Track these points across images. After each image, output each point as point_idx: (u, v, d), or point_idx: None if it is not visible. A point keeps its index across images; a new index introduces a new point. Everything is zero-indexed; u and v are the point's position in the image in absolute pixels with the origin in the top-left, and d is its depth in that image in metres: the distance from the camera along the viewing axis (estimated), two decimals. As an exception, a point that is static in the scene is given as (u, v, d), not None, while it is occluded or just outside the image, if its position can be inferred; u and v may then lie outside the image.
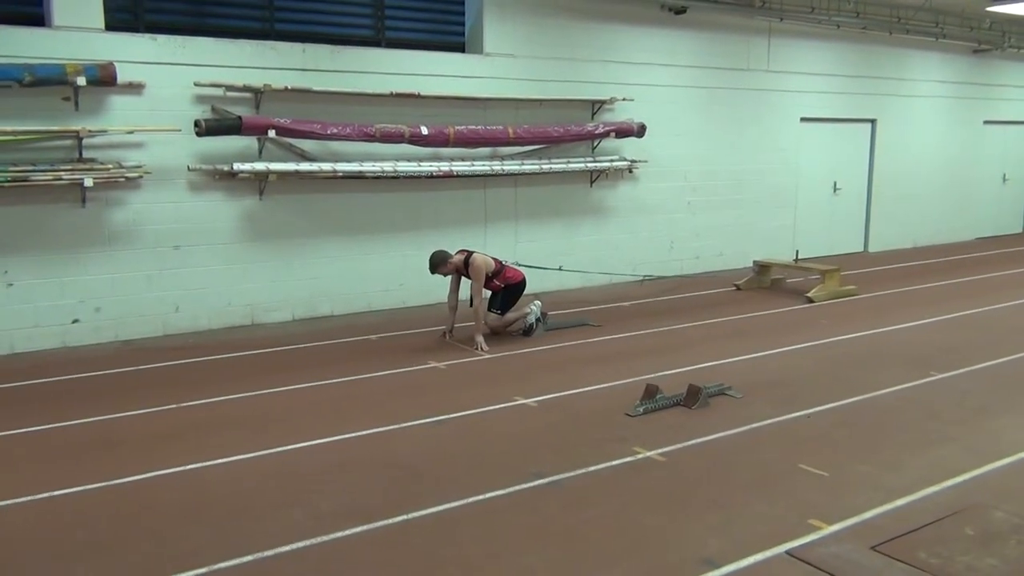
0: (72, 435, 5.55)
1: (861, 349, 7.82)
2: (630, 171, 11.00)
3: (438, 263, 7.94)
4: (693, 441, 5.40)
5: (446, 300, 8.15)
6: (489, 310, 8.13)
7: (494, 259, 8.15)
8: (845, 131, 13.86)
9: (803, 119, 13.05)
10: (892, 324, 8.76)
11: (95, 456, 5.17)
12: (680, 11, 11.18)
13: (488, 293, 8.08)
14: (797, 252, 11.13)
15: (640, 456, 5.15)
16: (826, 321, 8.95)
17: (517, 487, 4.69)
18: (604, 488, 4.71)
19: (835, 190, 13.86)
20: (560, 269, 9.77)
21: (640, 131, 10.75)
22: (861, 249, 14.47)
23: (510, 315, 8.26)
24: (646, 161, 11.00)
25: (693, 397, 6.00)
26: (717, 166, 12.11)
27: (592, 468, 4.95)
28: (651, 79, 11.18)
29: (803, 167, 13.22)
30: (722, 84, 11.97)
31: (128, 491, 4.67)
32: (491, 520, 4.32)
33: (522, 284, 8.30)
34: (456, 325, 8.11)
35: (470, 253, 8.00)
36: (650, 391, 6.03)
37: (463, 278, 8.05)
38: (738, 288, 10.78)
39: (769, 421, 5.77)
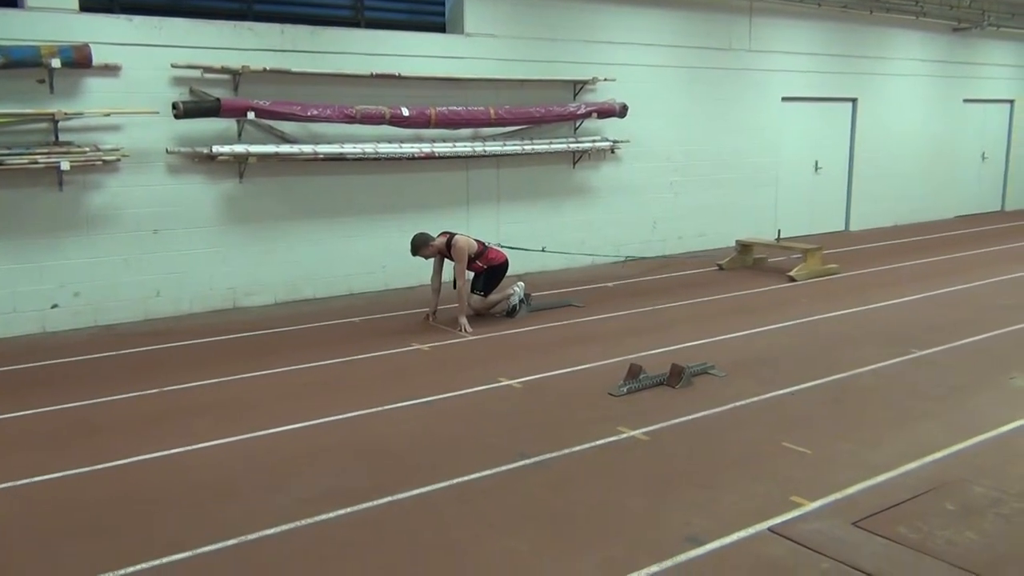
0: (52, 421, 5.50)
1: (843, 327, 7.87)
2: (612, 151, 10.98)
3: (420, 245, 7.89)
4: (676, 420, 5.42)
5: (429, 282, 8.12)
6: (472, 292, 8.10)
7: (477, 240, 8.12)
8: (826, 110, 13.89)
9: (784, 98, 13.07)
10: (873, 302, 8.82)
11: (76, 441, 5.13)
12: (662, -10, 11.15)
13: (471, 275, 8.05)
14: (779, 231, 11.17)
15: (624, 436, 5.16)
16: (807, 300, 9.00)
17: (502, 468, 4.69)
18: (588, 468, 4.73)
19: (816, 169, 13.91)
20: (543, 250, 9.76)
21: (622, 111, 10.73)
22: (843, 228, 14.54)
23: (493, 296, 8.24)
24: (628, 141, 10.98)
25: (676, 376, 6.02)
26: (699, 146, 12.11)
27: (576, 448, 4.97)
28: (633, 59, 11.15)
29: (785, 146, 13.25)
30: (704, 64, 11.95)
31: (110, 476, 4.64)
32: (475, 501, 4.33)
33: (505, 265, 8.27)
34: (439, 307, 8.09)
35: (453, 235, 7.96)
36: (633, 371, 6.05)
37: (446, 260, 8.02)
38: (721, 268, 10.81)
39: (752, 399, 5.80)
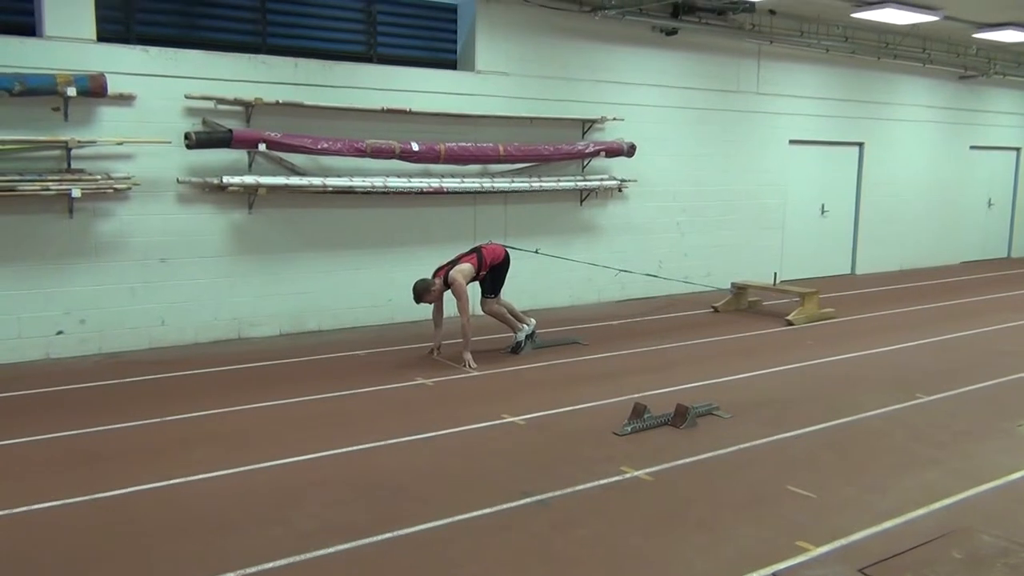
0: (54, 448, 5.48)
1: (847, 371, 7.84)
2: (620, 190, 11.04)
3: (422, 292, 7.79)
4: (681, 461, 5.38)
5: (431, 318, 8.11)
6: (484, 296, 8.15)
7: (469, 255, 8.04)
8: (833, 154, 13.97)
9: (791, 141, 13.15)
10: (878, 346, 8.78)
11: (77, 470, 5.10)
12: (671, 32, 11.26)
13: (477, 285, 8.11)
14: (776, 275, 11.18)
15: (628, 476, 5.13)
16: (812, 342, 8.97)
17: (504, 506, 4.66)
18: (592, 507, 4.68)
19: (823, 212, 13.95)
20: (536, 252, 9.66)
21: (630, 151, 10.80)
22: (848, 271, 14.54)
23: (505, 309, 8.23)
24: (636, 181, 11.04)
25: (681, 417, 5.99)
26: (706, 187, 12.17)
27: (580, 487, 4.93)
28: (642, 99, 11.25)
29: (791, 189, 13.31)
30: (712, 105, 12.05)
31: (110, 505, 4.61)
32: (478, 539, 4.29)
33: (505, 260, 8.22)
34: (443, 342, 8.08)
35: (448, 271, 7.86)
36: (638, 410, 6.02)
37: (445, 294, 7.99)
38: (716, 310, 10.79)
39: (757, 442, 5.76)
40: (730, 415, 6.28)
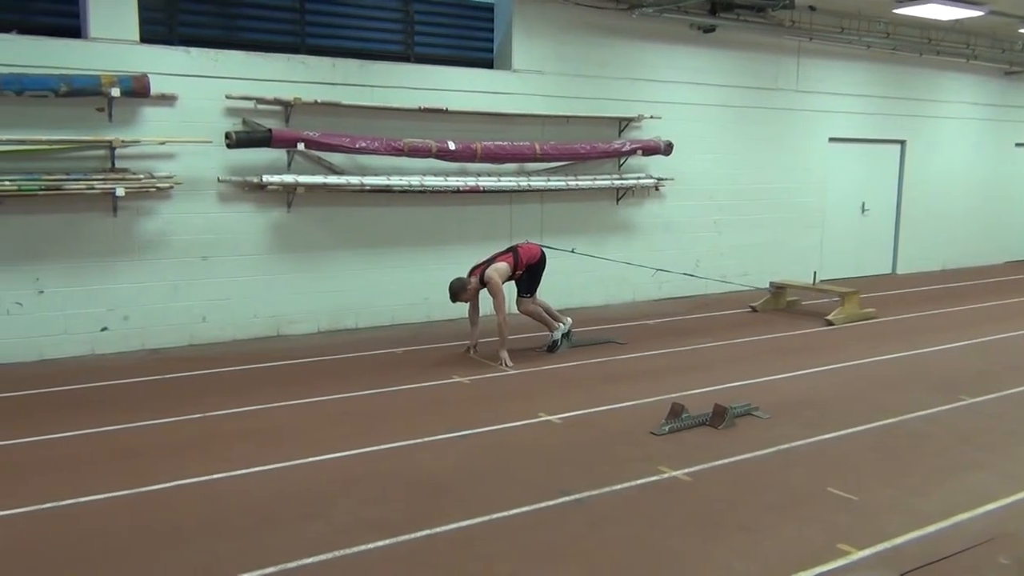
0: (97, 443, 5.58)
1: (889, 372, 7.72)
2: (656, 189, 10.97)
3: (458, 291, 7.80)
4: (720, 462, 5.34)
5: (467, 316, 8.14)
6: (519, 296, 8.21)
7: (505, 254, 8.06)
8: (874, 152, 13.76)
9: (831, 139, 12.98)
10: (921, 347, 8.64)
11: (119, 464, 5.19)
12: (709, 30, 11.18)
13: (513, 285, 8.18)
14: (815, 274, 11.04)
15: (666, 476, 5.10)
16: (853, 343, 8.85)
17: (541, 504, 4.65)
18: (629, 507, 4.66)
19: (863, 211, 13.76)
20: (572, 251, 9.62)
21: (667, 149, 10.73)
22: (889, 271, 14.33)
23: (542, 308, 8.25)
24: (673, 179, 10.97)
25: (719, 417, 5.94)
26: (744, 185, 12.06)
27: (617, 487, 4.91)
28: (679, 97, 11.17)
29: (831, 187, 13.14)
30: (750, 103, 11.94)
31: (151, 500, 4.68)
32: (514, 537, 4.29)
33: (542, 260, 8.22)
34: (480, 341, 8.10)
35: (484, 270, 7.89)
36: (675, 410, 5.98)
37: (481, 292, 8.01)
38: (754, 310, 10.68)
39: (797, 443, 5.69)
40: (769, 416, 6.22)
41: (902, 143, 14.06)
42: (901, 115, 13.80)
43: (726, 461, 5.36)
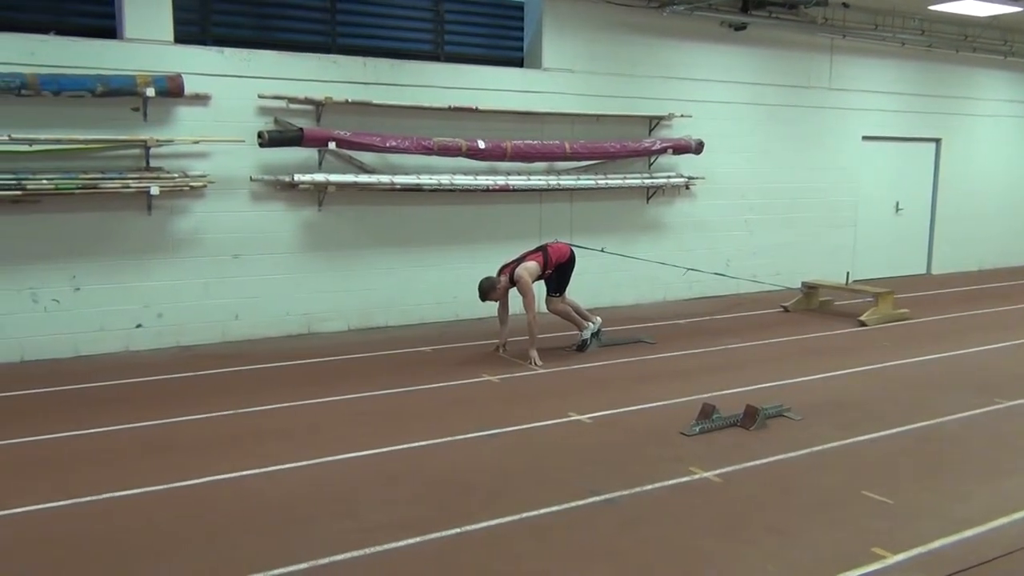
0: (130, 438, 5.65)
1: (923, 374, 7.61)
2: (687, 188, 10.90)
3: (488, 290, 7.84)
4: (751, 463, 5.29)
5: (496, 315, 8.13)
6: (548, 295, 8.18)
7: (535, 253, 8.05)
8: (908, 150, 13.57)
9: (865, 137, 12.82)
10: (956, 349, 8.51)
11: (152, 460, 5.25)
12: (740, 27, 11.09)
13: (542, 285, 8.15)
14: (848, 274, 10.90)
15: (697, 476, 5.06)
16: (886, 344, 8.73)
17: (572, 504, 4.64)
18: (660, 508, 4.64)
19: (897, 210, 13.57)
20: (603, 251, 9.58)
21: (698, 148, 10.66)
22: (924, 271, 14.12)
23: (571, 307, 8.23)
24: (703, 178, 10.90)
25: (751, 418, 5.89)
26: (776, 184, 11.95)
27: (647, 487, 4.88)
28: (710, 96, 11.09)
29: (864, 186, 12.97)
30: (782, 101, 11.83)
31: (183, 496, 4.72)
32: (546, 537, 4.28)
33: (571, 259, 8.20)
34: (509, 339, 8.09)
35: (514, 269, 7.89)
36: (706, 410, 5.94)
37: (510, 291, 8.00)
38: (786, 310, 10.57)
39: (830, 445, 5.62)
40: (801, 417, 6.15)
41: (937, 141, 13.85)
42: (936, 113, 13.59)
43: (758, 463, 5.31)
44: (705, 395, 6.53)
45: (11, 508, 4.48)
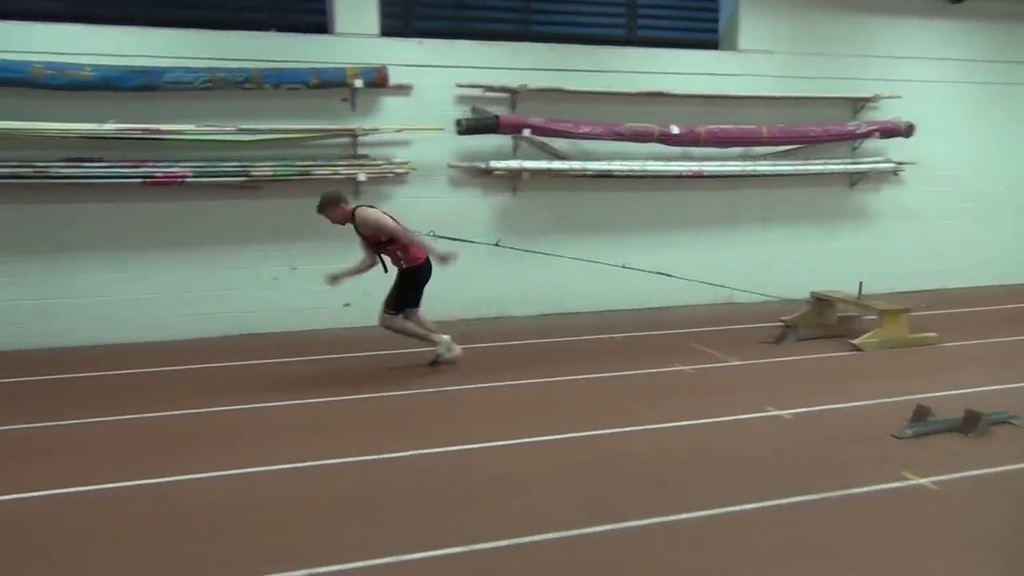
0: (351, 408, 6.00)
1: None
2: (895, 174, 10.24)
3: (326, 204, 6.46)
4: (971, 472, 4.90)
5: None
6: (385, 308, 6.85)
7: (392, 218, 6.62)
8: None
9: (1103, 118, 11.53)
10: None
11: (361, 431, 5.55)
12: (957, 0, 10.24)
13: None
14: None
15: (909, 483, 4.75)
16: None
17: (770, 502, 4.47)
18: (869, 514, 4.38)
19: None
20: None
21: (908, 131, 9.98)
22: None
23: (411, 324, 6.92)
24: (914, 163, 10.19)
25: (971, 423, 5.46)
26: (996, 170, 10.99)
27: (854, 490, 4.63)
28: (919, 75, 10.36)
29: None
30: (1001, 79, 10.85)
31: (408, 464, 4.95)
32: (741, 534, 4.14)
33: (427, 269, 6.77)
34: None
35: (358, 206, 6.58)
36: (920, 412, 5.56)
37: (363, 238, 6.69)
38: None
39: (1063, 457, 5.13)
40: (1029, 424, 5.65)
41: None
42: None
43: (979, 472, 4.91)
44: (918, 396, 6.09)
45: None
